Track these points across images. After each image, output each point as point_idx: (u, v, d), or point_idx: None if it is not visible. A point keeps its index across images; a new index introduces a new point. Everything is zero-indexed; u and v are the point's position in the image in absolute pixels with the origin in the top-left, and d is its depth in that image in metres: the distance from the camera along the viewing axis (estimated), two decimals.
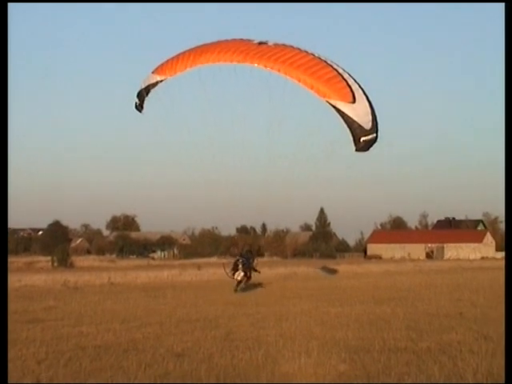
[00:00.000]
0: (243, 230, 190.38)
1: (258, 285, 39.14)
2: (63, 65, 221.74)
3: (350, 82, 13.98)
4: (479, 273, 61.66)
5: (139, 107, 16.60)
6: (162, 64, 15.79)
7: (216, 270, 63.84)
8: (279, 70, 13.75)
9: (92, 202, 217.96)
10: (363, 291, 35.27)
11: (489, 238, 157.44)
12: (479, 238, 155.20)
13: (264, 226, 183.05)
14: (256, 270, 33.57)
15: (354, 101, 13.46)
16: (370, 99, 13.85)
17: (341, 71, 14.13)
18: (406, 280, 47.64)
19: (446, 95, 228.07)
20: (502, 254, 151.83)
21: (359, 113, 13.48)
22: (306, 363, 13.67)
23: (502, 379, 11.89)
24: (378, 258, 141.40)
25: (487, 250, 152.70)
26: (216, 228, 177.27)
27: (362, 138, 13.58)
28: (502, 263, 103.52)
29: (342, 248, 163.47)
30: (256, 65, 13.88)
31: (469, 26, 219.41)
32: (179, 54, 15.57)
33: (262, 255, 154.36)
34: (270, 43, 14.43)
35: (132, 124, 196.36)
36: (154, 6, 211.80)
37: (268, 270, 69.10)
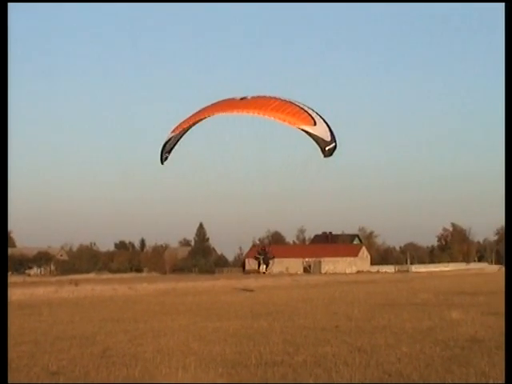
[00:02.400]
0: (122, 246, 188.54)
1: (137, 301, 38.79)
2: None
3: (310, 112, 19.32)
4: (355, 286, 62.97)
5: (161, 160, 20.92)
6: (177, 125, 20.79)
7: (94, 286, 62.87)
8: (258, 113, 19.01)
9: None
10: (241, 306, 35.41)
11: (364, 252, 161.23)
12: (355, 252, 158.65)
13: (143, 242, 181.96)
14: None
15: (315, 124, 18.89)
16: (326, 120, 19.32)
17: (301, 106, 19.49)
18: (283, 294, 48.22)
19: None
20: (377, 268, 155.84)
21: (320, 131, 18.93)
22: (184, 378, 13.66)
23: None
24: (256, 272, 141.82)
25: (363, 263, 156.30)
26: (94, 244, 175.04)
27: (326, 148, 18.79)
28: (377, 277, 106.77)
29: (221, 263, 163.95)
30: (241, 113, 19.19)
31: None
32: (188, 117, 20.57)
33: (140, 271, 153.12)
34: (248, 97, 19.69)
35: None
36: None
37: (147, 285, 68.65)
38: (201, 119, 20.21)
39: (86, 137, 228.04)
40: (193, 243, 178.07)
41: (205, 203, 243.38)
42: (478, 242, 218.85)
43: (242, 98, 19.78)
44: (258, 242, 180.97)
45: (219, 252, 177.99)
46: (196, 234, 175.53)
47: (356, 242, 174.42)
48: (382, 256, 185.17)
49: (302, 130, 18.87)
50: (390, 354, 16.57)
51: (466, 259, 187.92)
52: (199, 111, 20.61)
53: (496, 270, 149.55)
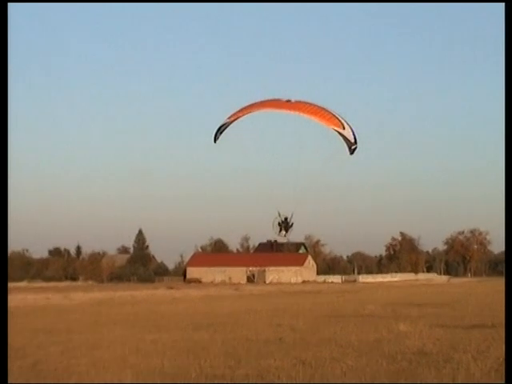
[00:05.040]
0: (57, 253, 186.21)
1: (71, 311, 38.35)
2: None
3: (339, 117, 24.80)
4: (300, 297, 63.18)
5: (214, 139, 25.78)
6: (231, 114, 25.80)
7: (26, 295, 61.97)
8: (300, 114, 24.45)
9: None
10: (181, 317, 35.35)
11: (310, 261, 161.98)
12: (301, 262, 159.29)
13: (79, 249, 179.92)
14: None
15: (343, 128, 24.52)
16: (350, 125, 24.81)
17: (333, 112, 24.91)
18: (225, 305, 48.17)
19: None
20: (323, 278, 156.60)
21: (348, 133, 24.52)
22: None
23: None
24: (198, 281, 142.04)
25: (308, 273, 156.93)
26: (27, 250, 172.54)
27: (352, 147, 24.52)
28: (323, 287, 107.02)
29: (161, 271, 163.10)
30: (288, 111, 24.64)
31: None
32: (240, 108, 25.66)
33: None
34: (292, 100, 24.99)
35: None
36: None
37: (82, 294, 67.93)
38: (252, 111, 25.29)
39: (18, 139, 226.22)
40: (131, 250, 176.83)
41: (145, 208, 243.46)
42: (427, 252, 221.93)
43: (287, 100, 25.24)
44: (200, 250, 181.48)
45: (159, 260, 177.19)
46: (135, 241, 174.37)
47: (302, 250, 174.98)
48: (329, 265, 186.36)
49: (336, 130, 24.53)
50: (335, 367, 16.60)
51: (415, 269, 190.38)
52: (250, 105, 25.59)
53: (445, 281, 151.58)
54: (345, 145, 24.97)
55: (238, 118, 25.74)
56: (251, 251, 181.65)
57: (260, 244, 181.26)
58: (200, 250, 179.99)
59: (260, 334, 25.13)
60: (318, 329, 26.85)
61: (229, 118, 26.08)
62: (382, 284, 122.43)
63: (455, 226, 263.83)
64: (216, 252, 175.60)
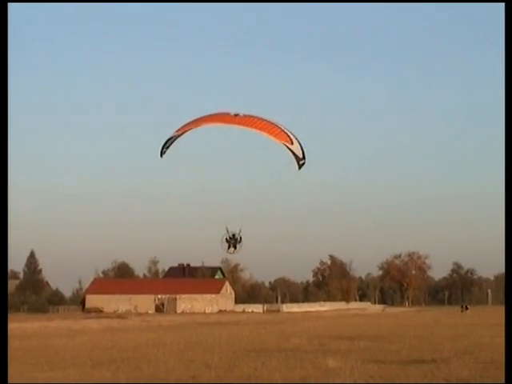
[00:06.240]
0: None
1: None
2: None
3: (289, 132, 27.29)
4: (216, 328, 63.04)
5: (161, 154, 27.88)
6: (180, 127, 27.86)
7: None
8: (251, 129, 26.88)
9: None
10: (79, 352, 34.87)
11: (228, 288, 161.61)
12: (217, 289, 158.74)
13: None
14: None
15: (292, 143, 27.02)
16: (299, 139, 27.37)
17: (282, 127, 27.40)
18: (131, 338, 47.70)
19: None
20: (242, 307, 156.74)
21: (296, 148, 27.01)
22: None
23: None
24: (99, 311, 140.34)
25: (226, 301, 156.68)
26: None
27: (300, 162, 27.05)
28: (243, 317, 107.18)
29: (56, 300, 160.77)
30: (236, 126, 26.95)
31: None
32: (189, 122, 27.70)
33: None
34: (240, 114, 27.20)
35: None
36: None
37: None
38: (199, 125, 27.37)
39: None
40: (22, 276, 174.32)
41: (37, 228, 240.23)
42: (360, 278, 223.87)
43: (235, 114, 27.43)
44: (101, 275, 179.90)
45: (54, 286, 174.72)
46: (26, 265, 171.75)
47: (218, 276, 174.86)
48: (249, 293, 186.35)
49: (285, 145, 26.99)
50: None
51: (346, 298, 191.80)
52: (199, 119, 27.62)
53: (380, 311, 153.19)
54: (293, 160, 27.28)
55: (185, 131, 27.70)
56: (160, 276, 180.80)
57: (170, 268, 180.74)
58: (101, 275, 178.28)
59: (170, 372, 25.03)
60: (236, 365, 26.78)
61: (177, 131, 28.05)
62: (309, 314, 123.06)
63: (391, 248, 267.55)
64: (120, 277, 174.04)
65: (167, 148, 27.84)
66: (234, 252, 40.89)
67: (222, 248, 38.76)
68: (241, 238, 39.27)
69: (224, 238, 38.88)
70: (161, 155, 27.87)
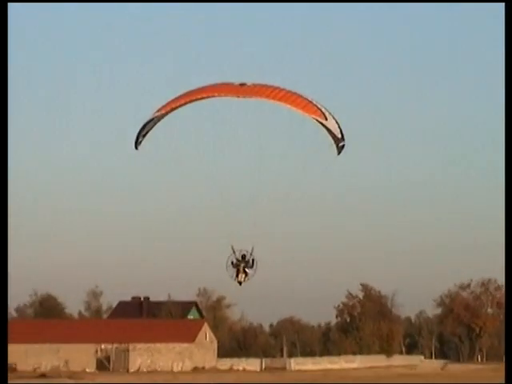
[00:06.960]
0: None
1: None
2: None
3: (319, 106, 31.02)
4: None
5: (135, 144, 31.13)
6: (164, 104, 30.84)
7: None
8: (268, 99, 30.85)
9: None
10: None
11: (207, 333, 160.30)
12: (190, 335, 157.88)
13: None
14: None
15: (326, 119, 31.04)
16: (334, 116, 30.61)
17: (310, 99, 31.12)
18: None
19: None
20: (229, 362, 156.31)
21: (333, 126, 31.22)
22: None
23: None
24: (12, 370, 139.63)
25: (204, 354, 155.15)
26: None
27: (340, 144, 31.56)
28: (230, 378, 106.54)
29: None
30: (246, 97, 31.06)
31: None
32: (177, 96, 30.93)
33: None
34: (248, 83, 30.71)
35: None
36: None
37: None
38: (197, 99, 30.06)
39: None
40: None
41: None
42: (408, 319, 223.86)
43: (241, 84, 30.63)
44: (14, 314, 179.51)
45: None
46: None
47: (193, 315, 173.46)
48: (240, 341, 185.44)
49: (317, 120, 29.72)
50: None
51: (387, 349, 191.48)
52: (188, 93, 30.44)
53: (438, 369, 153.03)
54: (329, 141, 29.32)
55: (168, 111, 29.33)
56: (105, 316, 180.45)
57: (120, 303, 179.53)
58: (14, 313, 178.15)
59: None
60: None
61: (158, 110, 29.96)
62: (331, 373, 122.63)
63: (455, 274, 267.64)
64: (43, 317, 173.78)
65: (143, 136, 26.97)
66: (245, 280, 40.82)
67: (229, 275, 38.67)
68: (253, 260, 39.42)
69: (230, 262, 38.51)
70: (135, 146, 27.10)
